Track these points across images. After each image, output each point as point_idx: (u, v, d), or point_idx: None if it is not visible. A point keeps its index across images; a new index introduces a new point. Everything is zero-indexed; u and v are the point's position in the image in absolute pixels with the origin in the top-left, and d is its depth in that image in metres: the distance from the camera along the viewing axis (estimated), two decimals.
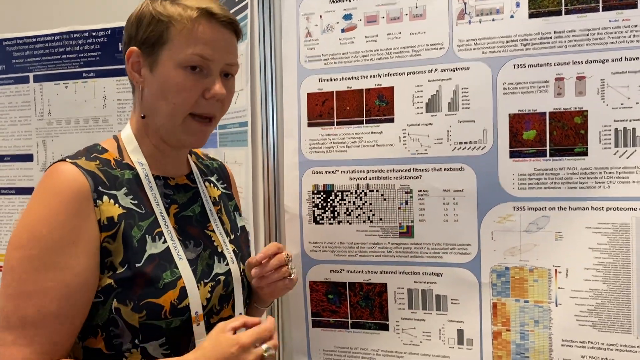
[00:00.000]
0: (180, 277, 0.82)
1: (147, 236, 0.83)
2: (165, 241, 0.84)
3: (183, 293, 0.82)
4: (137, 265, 0.80)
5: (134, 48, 0.85)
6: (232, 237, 0.98)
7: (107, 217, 0.79)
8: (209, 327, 0.84)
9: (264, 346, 0.77)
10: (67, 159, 0.81)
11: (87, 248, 0.77)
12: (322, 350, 1.33)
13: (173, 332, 0.81)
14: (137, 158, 0.87)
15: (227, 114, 1.58)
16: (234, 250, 0.94)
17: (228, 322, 0.79)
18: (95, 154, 0.85)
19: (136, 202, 0.84)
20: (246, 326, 0.80)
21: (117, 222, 0.80)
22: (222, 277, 0.90)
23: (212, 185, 1.01)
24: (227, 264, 0.92)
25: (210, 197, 0.97)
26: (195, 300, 0.83)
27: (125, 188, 0.84)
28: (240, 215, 1.05)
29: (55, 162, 0.81)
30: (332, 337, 1.31)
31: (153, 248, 0.82)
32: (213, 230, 0.93)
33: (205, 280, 0.87)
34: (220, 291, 0.89)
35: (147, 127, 0.88)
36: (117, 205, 0.81)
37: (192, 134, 0.86)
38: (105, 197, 0.80)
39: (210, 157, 1.08)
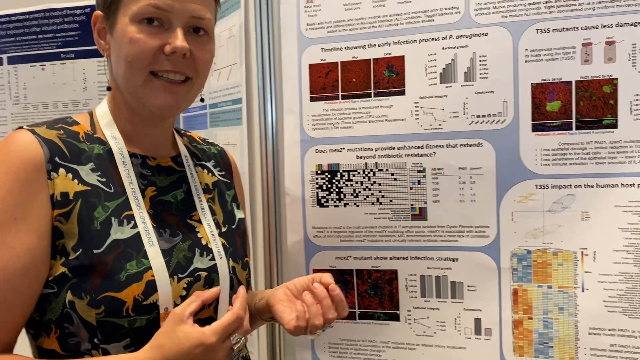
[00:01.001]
0: (148, 268, 0.72)
1: (112, 219, 0.73)
2: (135, 226, 0.74)
3: (150, 287, 0.72)
4: (95, 251, 0.70)
5: (99, 12, 0.78)
6: (224, 229, 0.87)
7: (61, 192, 0.71)
8: None
9: (233, 338, 0.71)
10: (25, 126, 0.73)
11: (36, 226, 0.68)
12: (327, 344, 1.24)
13: (139, 332, 0.72)
14: (110, 132, 0.78)
15: (218, 91, 1.50)
16: (223, 245, 0.84)
17: (184, 306, 0.71)
18: (62, 125, 0.76)
19: (104, 179, 0.75)
20: (204, 304, 0.74)
21: (72, 199, 0.71)
22: (204, 274, 0.79)
23: (206, 171, 0.91)
24: (213, 259, 0.81)
25: (201, 183, 0.87)
26: (166, 296, 0.73)
27: (92, 163, 0.75)
28: (239, 207, 0.94)
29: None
30: (338, 329, 1.23)
31: (119, 233, 0.73)
32: (199, 221, 0.83)
33: (180, 275, 0.76)
34: (199, 289, 0.78)
35: (118, 101, 0.80)
36: (76, 181, 0.72)
37: (156, 95, 0.76)
38: (62, 170, 0.71)
39: (210, 142, 0.98)
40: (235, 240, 0.88)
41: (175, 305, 0.73)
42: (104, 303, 0.69)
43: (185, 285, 0.76)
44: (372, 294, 1.20)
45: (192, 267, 0.78)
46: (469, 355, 1.14)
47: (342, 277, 1.21)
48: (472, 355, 1.14)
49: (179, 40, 0.74)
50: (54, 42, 1.90)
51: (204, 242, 0.81)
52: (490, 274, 1.11)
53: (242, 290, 0.79)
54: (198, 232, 0.82)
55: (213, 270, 0.80)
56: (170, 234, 0.78)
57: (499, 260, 1.10)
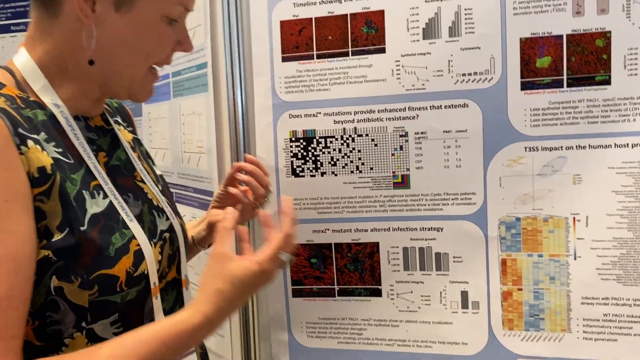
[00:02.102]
0: (131, 238, 0.69)
1: (84, 192, 0.67)
2: (105, 196, 0.69)
3: (138, 257, 0.69)
4: (81, 228, 0.64)
5: None
6: (160, 188, 0.84)
7: (37, 167, 0.62)
8: (161, 293, 0.74)
9: (283, 255, 0.70)
10: None
11: (28, 207, 0.61)
12: (305, 323, 1.17)
13: (128, 305, 0.69)
14: (50, 99, 0.69)
15: (181, 56, 1.39)
16: (167, 203, 0.82)
17: (222, 244, 0.69)
18: None
19: (60, 150, 0.67)
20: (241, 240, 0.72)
21: (50, 173, 0.63)
22: (167, 234, 0.78)
23: (122, 127, 0.85)
24: (168, 219, 0.79)
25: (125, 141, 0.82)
26: (151, 264, 0.71)
27: (43, 133, 0.66)
28: (154, 163, 0.91)
29: None
30: (316, 308, 1.16)
31: (94, 206, 0.67)
32: (142, 181, 0.79)
33: (154, 240, 0.75)
34: (168, 251, 0.77)
35: (75, 71, 0.70)
36: (46, 152, 0.64)
37: (147, 88, 0.75)
38: (30, 142, 0.63)
39: None
40: (170, 197, 0.87)
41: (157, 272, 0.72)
42: (97, 282, 0.65)
43: (159, 250, 0.74)
44: (352, 269, 1.13)
45: (159, 230, 0.76)
46: (455, 330, 1.09)
47: (319, 251, 1.14)
48: (459, 330, 1.08)
49: (190, 39, 0.76)
50: (3, 14, 1.80)
51: (155, 203, 0.78)
52: (477, 244, 1.05)
53: (288, 204, 0.76)
54: (147, 193, 0.78)
55: (172, 230, 0.79)
56: (134, 198, 0.75)
57: (487, 229, 1.04)
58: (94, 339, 0.66)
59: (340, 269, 1.14)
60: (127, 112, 0.91)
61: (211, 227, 0.96)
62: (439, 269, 1.09)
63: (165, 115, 1.52)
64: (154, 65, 0.75)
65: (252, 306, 1.20)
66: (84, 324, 0.65)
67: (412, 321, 1.11)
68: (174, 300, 0.79)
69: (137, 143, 0.87)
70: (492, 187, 1.03)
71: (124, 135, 0.83)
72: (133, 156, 0.80)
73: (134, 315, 0.70)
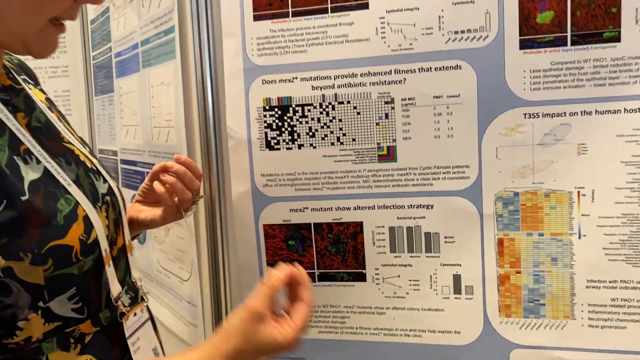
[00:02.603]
0: (77, 204, 0.63)
1: (15, 157, 0.59)
2: (38, 161, 0.62)
3: (87, 223, 0.64)
4: (22, 198, 0.57)
5: None
6: (88, 150, 0.76)
7: None
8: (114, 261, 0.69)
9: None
10: None
11: None
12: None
13: (86, 277, 0.64)
14: None
15: (149, 23, 1.28)
16: (99, 163, 0.76)
17: (259, 302, 0.67)
18: None
19: None
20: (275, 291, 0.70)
21: None
22: (109, 198, 0.72)
23: (31, 86, 0.75)
24: (106, 181, 0.73)
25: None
26: (100, 230, 0.66)
27: None
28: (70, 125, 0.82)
29: None
30: None
31: (30, 172, 0.60)
32: (70, 143, 0.72)
33: (99, 204, 0.69)
34: (112, 215, 0.72)
35: None
36: None
37: (49, 43, 0.64)
38: None
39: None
40: (100, 161, 0.80)
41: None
42: (51, 256, 0.59)
43: (105, 214, 0.69)
44: (333, 251, 1.03)
45: (100, 194, 0.70)
46: (447, 318, 0.99)
47: (297, 232, 1.03)
48: (451, 317, 0.99)
49: None
50: None
51: (89, 165, 0.71)
52: (471, 223, 0.95)
53: (305, 278, 0.75)
54: (78, 155, 0.70)
55: (112, 192, 0.73)
56: (66, 162, 0.67)
57: (481, 206, 0.94)
58: (51, 317, 0.61)
59: (320, 252, 1.03)
60: (29, 69, 0.81)
61: (132, 223, 0.89)
62: (429, 250, 0.98)
63: (135, 89, 1.41)
64: (60, 18, 0.64)
65: (225, 294, 1.09)
66: (40, 303, 0.59)
67: (399, 308, 1.02)
68: (125, 267, 0.74)
69: (51, 103, 0.78)
70: (488, 159, 0.93)
71: (37, 95, 0.73)
72: (52, 117, 0.71)
73: (92, 288, 0.65)
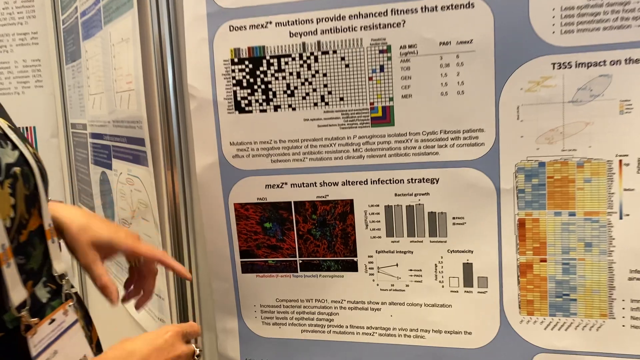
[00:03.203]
0: None
1: None
2: None
3: None
4: None
5: None
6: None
7: None
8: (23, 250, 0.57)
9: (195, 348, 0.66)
10: None
11: None
12: (259, 306, 0.90)
13: None
14: None
15: None
16: (8, 126, 0.62)
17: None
18: None
19: None
20: None
21: None
22: (18, 169, 0.58)
23: None
24: (16, 147, 0.59)
25: None
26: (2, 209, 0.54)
27: None
28: None
29: None
30: (273, 287, 0.89)
31: None
32: None
33: (0, 178, 0.55)
34: (23, 190, 0.58)
35: None
36: None
37: None
38: None
39: None
40: (13, 124, 0.67)
41: (11, 220, 0.55)
42: None
43: (10, 191, 0.56)
44: (318, 236, 0.86)
45: (3, 164, 0.57)
46: (456, 315, 0.82)
47: (275, 213, 0.86)
48: (461, 315, 0.82)
49: None
50: None
51: None
52: (485, 200, 0.78)
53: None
54: None
55: (23, 162, 0.59)
56: None
57: (498, 179, 0.77)
58: None
59: (302, 236, 0.86)
60: None
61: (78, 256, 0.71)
62: (434, 234, 0.81)
63: (99, 51, 1.23)
64: None
65: (191, 286, 0.93)
66: None
67: (397, 303, 0.85)
68: (42, 256, 0.60)
69: None
70: (507, 120, 0.75)
71: None
72: None
73: None
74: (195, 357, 0.67)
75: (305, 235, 0.86)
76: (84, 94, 1.37)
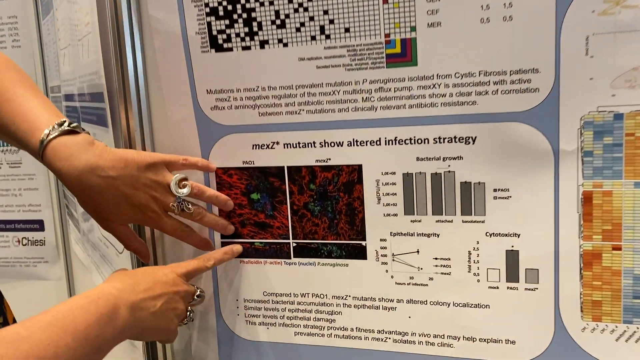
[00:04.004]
0: None
1: None
2: None
3: None
4: None
5: None
6: None
7: None
8: None
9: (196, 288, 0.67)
10: None
11: None
12: (242, 301, 0.73)
13: None
14: None
15: None
16: None
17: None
18: None
19: None
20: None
21: None
22: None
23: None
24: None
25: None
26: None
27: None
28: None
29: None
30: (260, 276, 0.72)
31: None
32: None
33: None
34: None
35: None
36: None
37: None
38: None
39: None
40: None
41: None
42: None
43: None
44: (317, 211, 0.67)
45: None
46: (495, 318, 0.63)
47: (264, 181, 0.68)
48: (502, 318, 0.63)
49: None
50: None
51: None
52: (538, 166, 0.59)
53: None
54: None
55: None
56: None
57: (557, 138, 0.58)
58: None
59: (298, 212, 0.68)
60: None
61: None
62: (468, 211, 0.62)
63: None
64: None
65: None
66: None
67: (418, 301, 0.66)
68: None
69: None
70: (571, 56, 0.56)
71: None
72: None
73: None
74: (195, 297, 0.66)
75: (301, 211, 0.68)
76: (57, 51, 1.21)
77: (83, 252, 1.23)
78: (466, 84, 0.59)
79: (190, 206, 0.67)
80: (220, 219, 0.70)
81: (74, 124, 0.63)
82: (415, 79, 0.61)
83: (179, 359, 0.78)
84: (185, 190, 0.66)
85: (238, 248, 0.70)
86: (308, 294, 0.70)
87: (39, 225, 1.47)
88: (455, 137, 0.61)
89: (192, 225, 0.70)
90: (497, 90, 0.59)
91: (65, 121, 0.62)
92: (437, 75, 0.60)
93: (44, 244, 1.48)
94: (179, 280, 0.63)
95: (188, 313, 0.65)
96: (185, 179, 0.67)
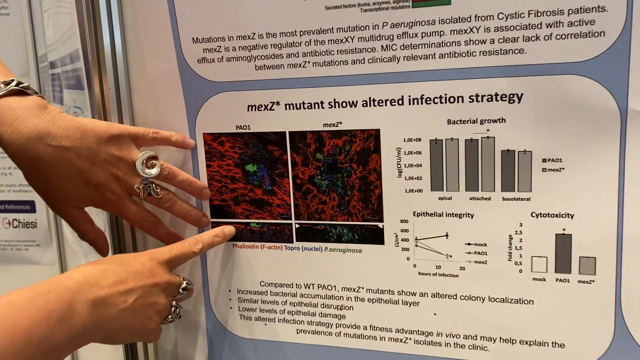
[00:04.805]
0: None
1: None
2: None
3: None
4: None
5: None
6: None
7: None
8: None
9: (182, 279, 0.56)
10: None
11: None
12: (236, 292, 0.63)
13: None
14: None
15: None
16: None
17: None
18: None
19: None
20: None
21: None
22: None
23: None
24: None
25: None
26: None
27: None
28: None
29: None
30: (257, 263, 0.61)
31: None
32: None
33: None
34: None
35: None
36: None
37: None
38: None
39: None
40: None
41: None
42: None
43: None
44: (325, 186, 0.57)
45: None
46: (540, 316, 0.53)
47: (262, 149, 0.58)
48: (549, 316, 0.53)
49: None
50: None
51: None
52: (600, 130, 0.48)
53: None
54: None
55: None
56: None
57: (625, 94, 0.47)
58: None
59: (302, 187, 0.58)
60: None
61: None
62: (510, 186, 0.52)
63: None
64: None
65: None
66: None
67: (446, 295, 0.55)
68: None
69: None
70: None
71: None
72: None
73: None
74: (181, 291, 0.56)
75: (306, 186, 0.58)
76: (42, 13, 1.11)
77: (72, 236, 1.15)
78: (512, 28, 0.48)
79: (159, 190, 0.56)
80: (194, 209, 0.60)
81: (25, 84, 0.53)
82: (448, 21, 0.50)
83: (162, 356, 0.68)
84: (153, 171, 0.55)
85: (230, 230, 0.60)
86: (313, 284, 0.60)
87: (30, 207, 1.39)
88: (496, 95, 0.50)
89: (160, 214, 0.59)
90: (551, 35, 0.47)
91: (13, 80, 0.52)
92: (476, 16, 0.49)
93: (36, 226, 1.40)
94: (160, 270, 0.53)
95: (173, 309, 0.55)
96: (155, 157, 0.56)
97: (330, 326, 0.60)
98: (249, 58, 0.56)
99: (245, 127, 0.58)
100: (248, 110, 0.58)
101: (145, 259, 0.53)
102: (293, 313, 0.61)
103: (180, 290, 0.55)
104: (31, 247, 1.41)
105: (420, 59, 0.51)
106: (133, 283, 0.49)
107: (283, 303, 0.61)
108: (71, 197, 0.55)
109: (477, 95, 0.51)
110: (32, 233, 1.40)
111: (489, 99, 0.51)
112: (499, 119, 0.51)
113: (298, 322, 0.61)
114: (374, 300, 0.58)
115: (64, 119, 0.53)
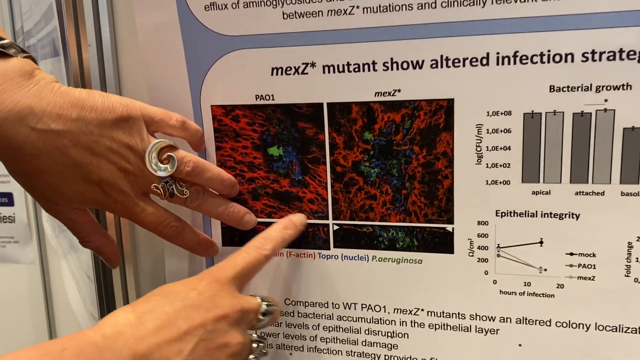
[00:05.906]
0: None
1: None
2: None
3: None
4: None
5: None
6: None
7: None
8: None
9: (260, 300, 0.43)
10: None
11: None
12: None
13: None
14: None
15: None
16: None
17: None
18: None
19: None
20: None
21: None
22: None
23: None
24: None
25: None
26: None
27: None
28: None
29: None
30: (281, 275, 0.48)
31: None
32: None
33: None
34: None
35: None
36: None
37: None
38: None
39: None
40: None
41: None
42: None
43: None
44: (374, 176, 0.44)
45: None
46: None
47: (291, 127, 0.44)
48: None
49: None
50: None
51: None
52: None
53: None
54: None
55: None
56: None
57: None
58: None
59: (343, 176, 0.44)
60: None
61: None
62: (633, 178, 0.39)
63: None
64: None
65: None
66: None
67: (536, 322, 0.43)
68: None
69: None
70: None
71: None
72: None
73: None
74: (261, 317, 0.42)
75: (349, 175, 0.44)
76: None
77: (52, 232, 1.03)
78: None
79: (184, 189, 0.43)
80: (232, 205, 0.46)
81: (5, 41, 0.39)
82: None
83: None
84: (165, 169, 0.42)
85: (301, 219, 0.46)
86: (356, 304, 0.47)
87: (7, 199, 1.29)
88: (620, 51, 0.37)
89: (184, 214, 0.46)
90: None
91: None
92: None
93: (14, 220, 1.31)
94: (224, 295, 0.40)
95: (255, 345, 0.42)
96: (172, 146, 0.42)
97: (377, 358, 0.47)
98: (274, 2, 0.42)
99: (268, 98, 0.45)
100: (272, 74, 0.44)
101: (203, 285, 0.40)
102: (328, 340, 0.48)
103: (260, 317, 0.42)
104: (9, 244, 1.32)
105: (515, 1, 0.38)
106: (187, 323, 0.37)
107: (315, 327, 0.48)
108: (66, 197, 0.41)
109: (592, 52, 0.38)
110: (10, 229, 1.31)
111: (610, 58, 0.37)
112: (623, 85, 0.38)
113: (334, 352, 0.48)
114: (437, 327, 0.45)
115: (55, 91, 0.39)
